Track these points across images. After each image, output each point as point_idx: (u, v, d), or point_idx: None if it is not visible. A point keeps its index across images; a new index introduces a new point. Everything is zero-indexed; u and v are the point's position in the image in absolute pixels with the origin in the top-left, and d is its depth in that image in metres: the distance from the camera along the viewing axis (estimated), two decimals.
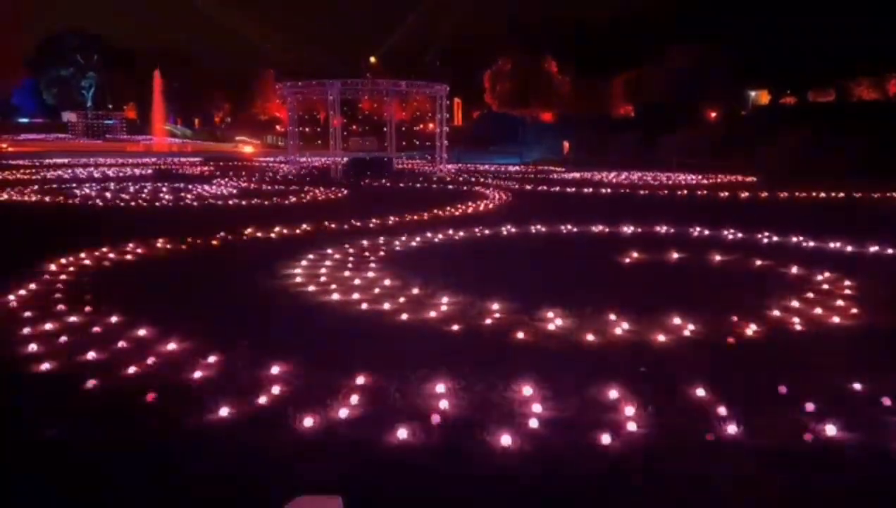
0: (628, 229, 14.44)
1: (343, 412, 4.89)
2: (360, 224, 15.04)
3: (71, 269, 9.86)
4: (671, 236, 13.80)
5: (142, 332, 6.72)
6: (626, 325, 7.11)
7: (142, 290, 9.11)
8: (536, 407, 4.97)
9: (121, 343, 6.38)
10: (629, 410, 4.90)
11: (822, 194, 23.69)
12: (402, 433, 4.53)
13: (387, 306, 7.98)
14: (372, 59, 36.50)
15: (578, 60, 66.57)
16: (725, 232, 13.99)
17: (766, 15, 54.56)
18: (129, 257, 11.09)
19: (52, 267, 9.85)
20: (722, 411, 4.87)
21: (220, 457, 4.35)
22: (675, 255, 11.48)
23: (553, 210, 18.91)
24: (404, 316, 7.55)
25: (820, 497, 3.93)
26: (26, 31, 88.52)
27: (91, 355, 6.07)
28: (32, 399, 5.26)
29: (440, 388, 5.29)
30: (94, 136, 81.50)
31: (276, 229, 14.04)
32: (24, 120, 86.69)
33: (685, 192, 25.54)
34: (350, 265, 10.38)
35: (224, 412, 4.89)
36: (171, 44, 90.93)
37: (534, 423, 4.72)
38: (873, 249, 12.03)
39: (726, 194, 24.78)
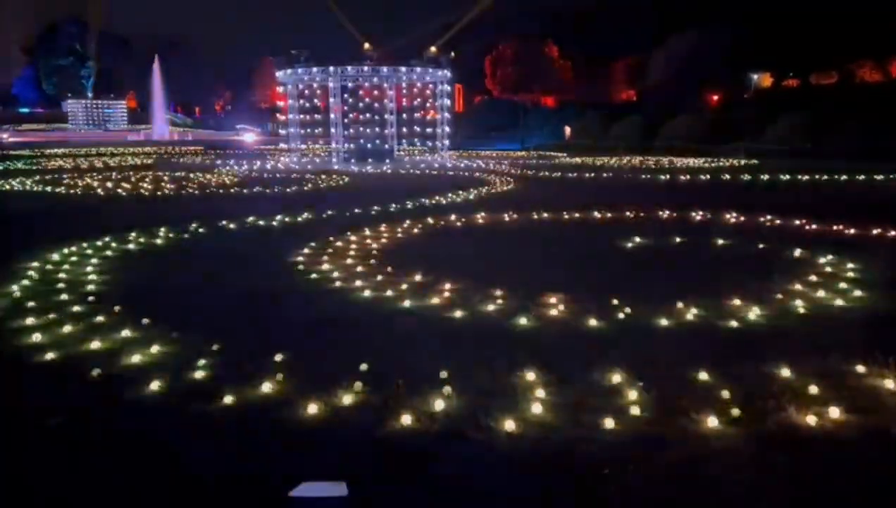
0: (630, 214, 14.41)
1: (347, 399, 4.90)
2: (362, 211, 15.03)
3: (73, 259, 9.87)
4: (673, 220, 13.78)
5: (144, 321, 6.73)
6: (628, 309, 7.11)
7: (143, 279, 9.11)
8: (539, 392, 4.99)
9: (124, 332, 6.40)
10: (632, 394, 4.92)
11: (825, 177, 23.62)
12: (406, 420, 4.55)
13: (389, 292, 7.98)
14: (366, 46, 36.25)
15: (580, 45, 66.21)
16: (727, 215, 13.96)
17: None
18: (130, 246, 11.09)
19: (55, 257, 9.87)
20: (724, 394, 4.88)
21: (225, 445, 4.37)
22: (678, 239, 11.46)
23: (555, 196, 18.88)
24: (407, 303, 7.56)
25: (820, 480, 3.94)
26: (25, 20, 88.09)
27: (94, 344, 6.09)
28: (36, 389, 5.28)
29: (443, 374, 5.30)
30: (94, 125, 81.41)
31: (278, 217, 14.04)
32: (25, 110, 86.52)
33: (687, 176, 25.47)
34: (352, 253, 10.38)
35: (229, 399, 4.90)
36: (170, 32, 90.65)
37: (536, 407, 4.73)
38: (876, 231, 12.01)
39: (728, 177, 24.70)
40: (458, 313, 7.13)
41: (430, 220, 13.68)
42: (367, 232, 12.21)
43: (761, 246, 10.84)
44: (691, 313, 6.99)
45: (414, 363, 5.56)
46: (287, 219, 13.95)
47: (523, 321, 6.84)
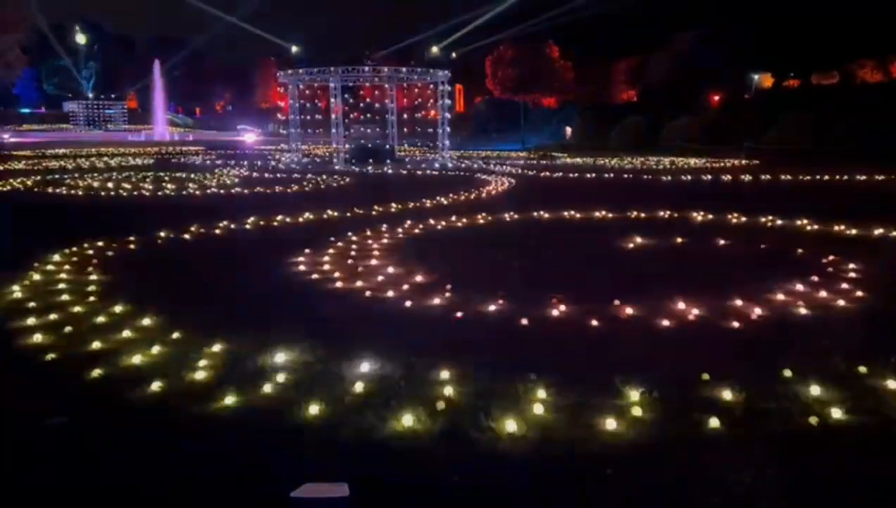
0: (631, 215, 14.40)
1: (348, 400, 4.90)
2: (363, 212, 15.03)
3: (74, 259, 9.87)
4: (674, 221, 13.77)
5: (146, 321, 6.74)
6: (630, 310, 7.11)
7: (145, 280, 9.12)
8: (541, 393, 4.98)
9: (125, 333, 6.40)
10: (634, 396, 4.91)
11: (826, 177, 23.60)
12: (407, 421, 4.55)
13: (390, 293, 7.98)
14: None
15: (580, 45, 66.15)
16: (729, 216, 13.96)
17: None
18: (131, 246, 11.10)
19: (56, 257, 9.87)
20: (726, 395, 4.88)
21: (226, 446, 4.37)
22: (679, 239, 11.45)
23: (556, 196, 18.88)
24: (408, 303, 7.56)
25: (821, 480, 3.94)
26: (26, 19, 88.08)
27: (95, 345, 6.09)
28: (37, 389, 5.28)
29: (444, 374, 5.29)
30: (95, 125, 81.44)
31: (279, 217, 14.03)
32: (26, 110, 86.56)
33: (688, 176, 25.46)
34: (353, 253, 10.38)
35: (230, 399, 4.90)
36: (171, 32, 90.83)
37: (539, 409, 4.72)
38: (877, 232, 12.00)
39: (729, 178, 24.70)
40: (460, 314, 7.12)
41: (432, 220, 13.68)
42: (368, 232, 12.21)
43: (763, 246, 10.83)
44: (693, 314, 6.99)
45: (415, 364, 5.56)
46: (288, 219, 13.95)
47: (524, 321, 6.84)
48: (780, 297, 7.60)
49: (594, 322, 6.77)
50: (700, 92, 51.66)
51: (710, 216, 14.08)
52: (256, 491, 3.81)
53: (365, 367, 5.47)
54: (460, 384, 5.17)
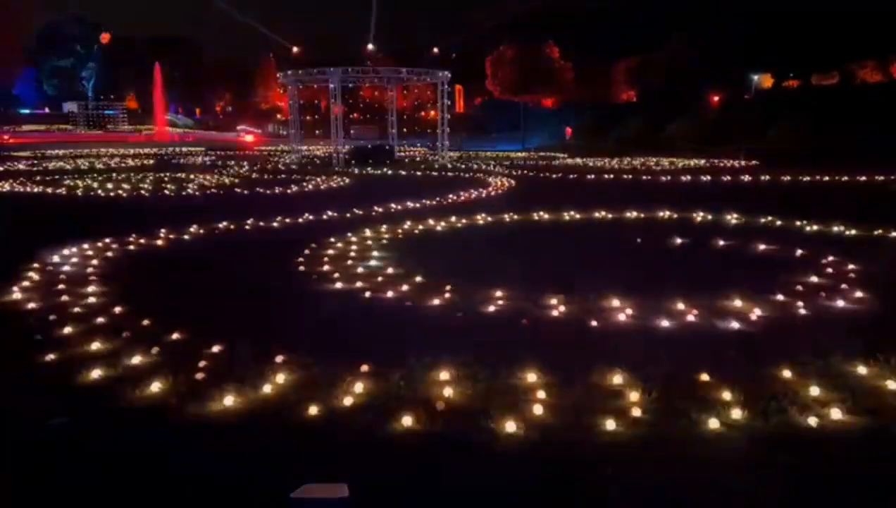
0: (631, 215, 14.39)
1: (348, 401, 4.90)
2: (363, 212, 15.02)
3: (74, 260, 9.86)
4: (674, 221, 13.76)
5: (146, 322, 6.73)
6: (630, 310, 7.11)
7: (144, 280, 9.11)
8: (541, 394, 4.98)
9: (125, 333, 6.40)
10: (633, 395, 4.91)
11: (826, 178, 23.59)
12: (407, 421, 4.55)
13: (390, 293, 7.98)
14: (370, 47, 36.34)
15: (580, 46, 66.14)
16: (728, 216, 13.95)
17: None
18: (131, 247, 11.09)
19: (56, 258, 9.87)
20: (726, 395, 4.88)
21: (226, 447, 4.37)
22: (679, 240, 11.44)
23: (555, 196, 18.86)
24: (408, 303, 7.55)
25: (821, 480, 3.94)
26: (27, 20, 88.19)
27: (95, 345, 6.08)
28: (38, 389, 5.28)
29: (444, 375, 5.29)
30: (95, 126, 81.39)
31: (279, 218, 14.03)
32: (26, 111, 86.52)
33: (688, 177, 25.45)
34: (353, 253, 10.38)
35: (230, 400, 4.90)
36: (171, 31, 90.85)
37: (538, 409, 4.72)
38: (877, 231, 11.99)
39: (729, 178, 24.69)
40: (459, 314, 7.12)
41: (431, 221, 13.67)
42: (368, 233, 12.20)
43: (762, 247, 10.82)
44: (693, 314, 6.98)
45: (415, 364, 5.56)
46: (288, 220, 13.94)
47: (524, 321, 6.83)
48: (780, 297, 7.60)
49: (593, 322, 6.77)
50: (700, 92, 51.62)
51: (710, 217, 14.07)
52: (256, 491, 3.81)
53: (364, 367, 5.47)
54: (460, 383, 5.17)
